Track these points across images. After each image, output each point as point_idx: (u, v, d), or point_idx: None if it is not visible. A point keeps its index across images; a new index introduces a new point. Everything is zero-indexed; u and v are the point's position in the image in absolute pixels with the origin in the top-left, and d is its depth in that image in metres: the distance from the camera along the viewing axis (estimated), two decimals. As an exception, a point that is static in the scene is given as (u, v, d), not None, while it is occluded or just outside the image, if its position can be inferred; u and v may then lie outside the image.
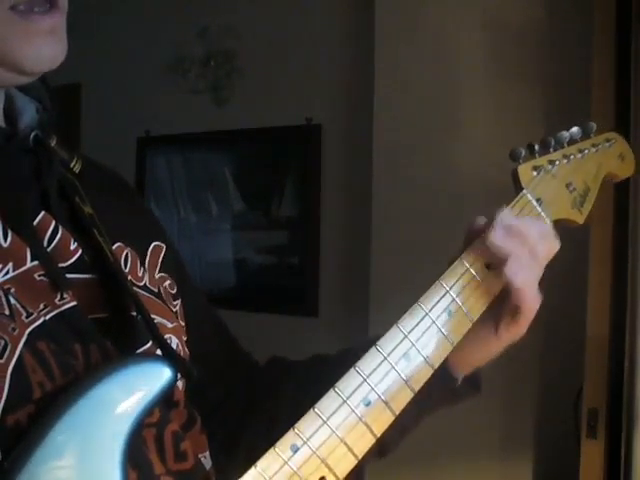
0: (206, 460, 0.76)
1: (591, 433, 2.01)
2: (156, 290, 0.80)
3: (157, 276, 0.82)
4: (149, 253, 0.83)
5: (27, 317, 0.63)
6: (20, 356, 0.61)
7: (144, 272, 0.80)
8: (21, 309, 0.63)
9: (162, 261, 0.84)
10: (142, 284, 0.79)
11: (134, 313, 0.73)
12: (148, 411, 0.63)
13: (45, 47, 0.68)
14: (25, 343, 0.61)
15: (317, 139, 3.04)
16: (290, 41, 3.10)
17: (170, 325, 0.79)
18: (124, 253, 0.78)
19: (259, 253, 3.24)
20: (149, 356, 0.69)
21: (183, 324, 0.83)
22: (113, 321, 0.71)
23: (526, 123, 2.40)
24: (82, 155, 0.82)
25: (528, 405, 2.40)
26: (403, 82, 2.60)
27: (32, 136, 0.74)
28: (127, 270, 0.77)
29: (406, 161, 2.57)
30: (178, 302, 0.84)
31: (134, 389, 0.62)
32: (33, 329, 0.63)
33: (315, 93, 3.05)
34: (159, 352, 0.72)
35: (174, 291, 0.83)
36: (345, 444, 0.66)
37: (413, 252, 2.53)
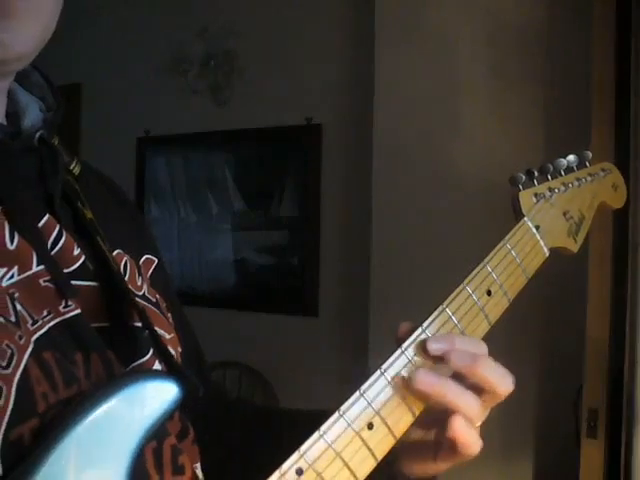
0: (198, 471, 0.74)
1: (591, 433, 2.01)
2: (154, 300, 0.78)
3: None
4: (141, 265, 0.80)
5: (32, 324, 0.61)
6: (26, 366, 0.58)
7: (142, 281, 0.78)
8: (27, 316, 0.61)
9: (151, 275, 0.82)
10: (141, 293, 0.77)
11: (136, 323, 0.71)
12: (154, 429, 0.61)
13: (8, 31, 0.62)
14: (31, 353, 0.59)
15: (317, 139, 3.04)
16: (290, 41, 3.10)
17: (168, 336, 0.77)
18: (123, 261, 0.76)
19: (259, 253, 3.24)
20: (156, 372, 0.67)
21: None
22: (114, 330, 0.69)
23: (526, 123, 2.40)
24: (80, 158, 0.79)
25: (528, 405, 2.41)
26: (403, 82, 2.60)
27: (37, 136, 0.71)
28: (127, 278, 0.75)
29: (406, 161, 2.58)
30: (170, 315, 0.82)
31: (141, 407, 0.60)
32: (38, 337, 0.60)
33: (315, 93, 3.05)
34: (158, 365, 0.71)
35: (164, 305, 0.81)
36: (348, 467, 0.66)
37: (413, 252, 2.53)
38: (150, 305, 0.77)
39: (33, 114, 0.73)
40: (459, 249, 2.37)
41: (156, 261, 0.83)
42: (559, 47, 2.36)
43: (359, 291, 2.77)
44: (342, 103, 3.00)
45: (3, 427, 0.56)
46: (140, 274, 0.78)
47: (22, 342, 0.59)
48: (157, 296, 0.80)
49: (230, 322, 3.26)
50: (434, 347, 0.69)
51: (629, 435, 1.96)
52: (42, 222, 0.67)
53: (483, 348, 0.72)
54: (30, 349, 0.59)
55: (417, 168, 2.55)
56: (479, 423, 0.71)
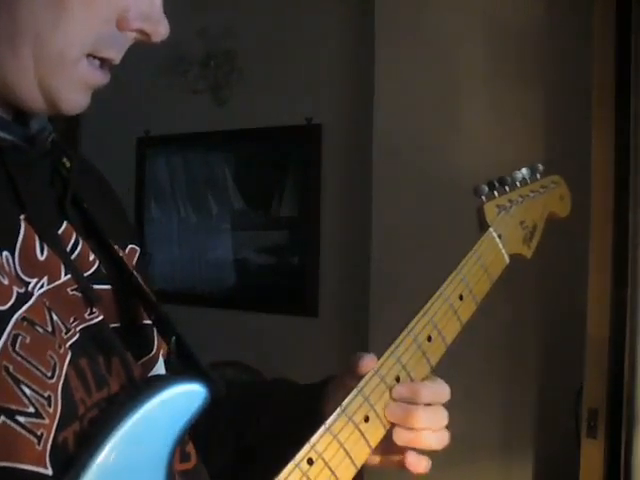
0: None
1: (591, 433, 2.01)
2: (148, 292, 0.79)
3: None
4: (127, 254, 0.81)
5: (66, 333, 0.64)
6: (66, 374, 0.61)
7: (137, 275, 0.79)
8: (61, 325, 0.63)
9: (135, 264, 0.82)
10: None
11: (145, 321, 0.74)
12: (186, 430, 0.64)
13: (85, 98, 0.71)
14: (69, 361, 0.62)
15: (317, 139, 3.04)
16: (290, 41, 3.10)
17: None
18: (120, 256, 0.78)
19: (259, 253, 3.24)
20: (184, 377, 0.69)
21: None
22: (125, 330, 0.72)
23: (526, 123, 2.40)
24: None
25: (528, 405, 2.40)
26: (403, 82, 2.60)
27: (50, 139, 0.73)
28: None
29: (406, 161, 2.58)
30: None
31: (174, 410, 0.63)
32: (71, 344, 0.63)
33: (315, 93, 3.05)
34: (161, 359, 0.74)
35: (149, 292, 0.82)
36: (350, 457, 0.74)
37: (413, 252, 2.53)
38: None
39: (39, 115, 0.75)
40: (459, 249, 2.37)
41: (139, 250, 0.84)
42: (559, 47, 2.36)
43: (359, 291, 2.77)
44: (342, 103, 3.00)
45: (53, 433, 0.59)
46: (134, 267, 0.80)
47: (61, 351, 0.62)
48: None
49: (230, 322, 3.25)
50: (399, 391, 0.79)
51: (629, 435, 1.96)
52: (61, 229, 0.69)
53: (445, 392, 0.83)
54: (69, 358, 0.62)
55: (417, 168, 2.55)
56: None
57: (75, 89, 0.69)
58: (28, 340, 0.60)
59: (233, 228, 3.31)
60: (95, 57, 0.69)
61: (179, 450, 0.68)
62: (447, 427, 0.82)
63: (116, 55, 0.73)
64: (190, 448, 0.70)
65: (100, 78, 0.71)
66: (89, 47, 0.68)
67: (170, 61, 3.37)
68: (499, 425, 2.39)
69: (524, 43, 2.41)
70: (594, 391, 2.03)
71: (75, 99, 0.70)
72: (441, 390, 0.82)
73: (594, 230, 2.04)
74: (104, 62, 0.71)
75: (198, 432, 0.75)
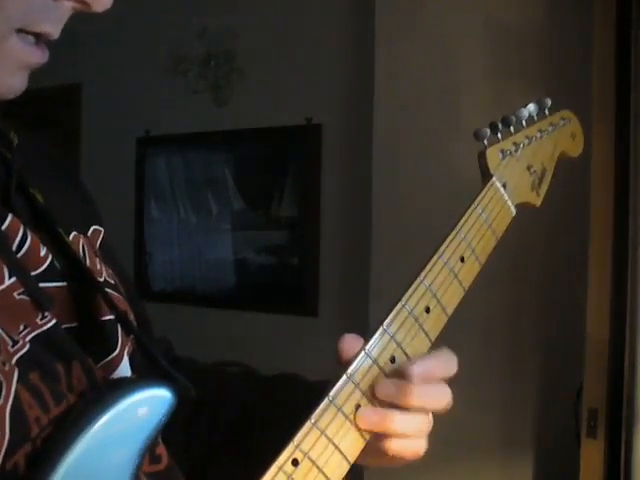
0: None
1: (591, 433, 2.01)
2: (113, 282, 0.72)
3: None
4: (89, 237, 0.74)
5: (12, 346, 0.56)
6: (16, 393, 0.55)
7: (100, 264, 0.71)
8: (6, 337, 0.56)
9: (100, 247, 0.75)
10: (103, 279, 0.70)
11: (106, 317, 0.67)
12: (152, 439, 0.59)
13: (21, 80, 0.62)
14: (18, 378, 0.55)
15: (317, 139, 3.04)
16: (290, 41, 3.10)
17: (131, 318, 0.72)
18: (80, 244, 0.70)
19: (259, 253, 3.24)
20: (148, 381, 0.62)
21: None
22: (82, 329, 0.65)
23: (526, 123, 2.40)
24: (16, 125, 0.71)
25: (528, 405, 2.40)
26: (403, 82, 2.60)
27: None
28: (87, 264, 0.69)
29: (406, 161, 2.57)
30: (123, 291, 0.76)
31: (138, 419, 0.58)
32: (20, 358, 0.56)
33: (315, 93, 3.05)
34: (126, 357, 0.68)
35: (114, 282, 0.74)
36: (341, 452, 0.66)
37: (413, 252, 2.52)
38: (113, 291, 0.71)
39: None
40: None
41: (102, 231, 0.77)
42: (559, 47, 2.36)
43: (359, 291, 2.77)
44: (342, 103, 3.00)
45: (0, 461, 0.54)
46: (97, 255, 0.73)
47: (7, 368, 0.55)
48: (111, 273, 0.74)
49: (230, 322, 3.26)
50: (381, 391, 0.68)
51: (629, 435, 1.96)
52: (6, 224, 0.62)
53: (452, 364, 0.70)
54: (16, 374, 0.55)
55: (417, 168, 2.55)
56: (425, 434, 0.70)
57: (6, 70, 0.60)
58: None
59: (233, 228, 3.31)
60: (28, 32, 0.60)
61: (148, 453, 0.62)
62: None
63: (52, 29, 0.61)
64: (161, 450, 0.65)
65: (36, 57, 0.61)
66: (18, 21, 0.58)
67: (170, 61, 3.37)
68: (499, 425, 2.39)
69: (524, 43, 2.41)
70: (594, 391, 2.03)
71: (7, 82, 0.60)
72: (436, 364, 0.70)
73: (594, 230, 2.04)
74: (39, 38, 0.61)
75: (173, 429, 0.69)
